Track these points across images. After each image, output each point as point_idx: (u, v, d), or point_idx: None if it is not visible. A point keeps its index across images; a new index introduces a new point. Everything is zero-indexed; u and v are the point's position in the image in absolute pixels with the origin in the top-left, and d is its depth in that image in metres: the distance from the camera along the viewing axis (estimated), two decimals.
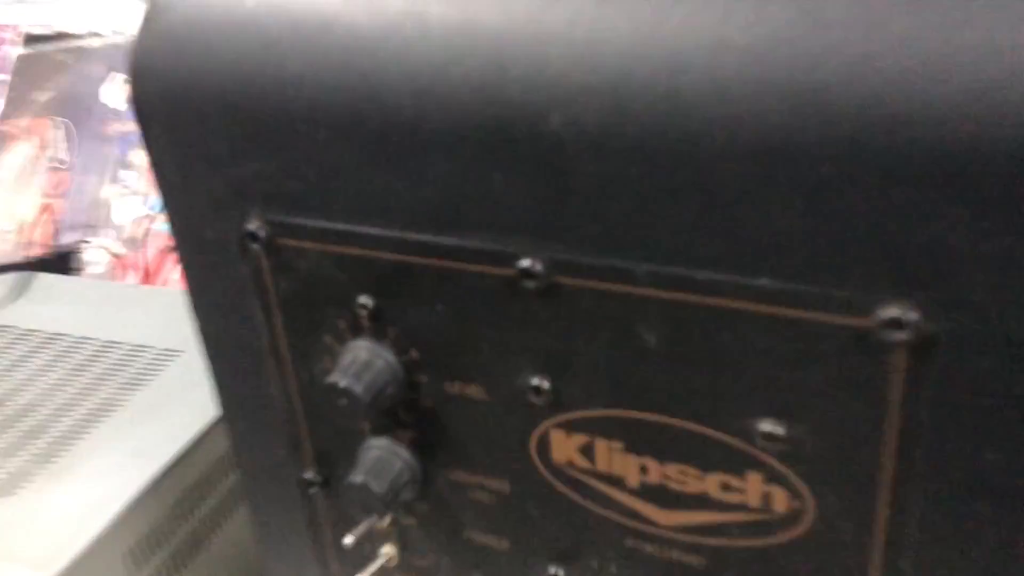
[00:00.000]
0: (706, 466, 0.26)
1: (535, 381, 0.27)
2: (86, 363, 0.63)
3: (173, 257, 0.86)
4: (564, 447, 0.28)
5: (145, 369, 0.62)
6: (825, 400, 0.23)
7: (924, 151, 0.19)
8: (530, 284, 0.25)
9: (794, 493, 0.25)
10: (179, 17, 0.27)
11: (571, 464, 0.28)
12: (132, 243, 1.00)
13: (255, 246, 0.29)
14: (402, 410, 0.30)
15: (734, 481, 0.26)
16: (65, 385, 0.59)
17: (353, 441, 0.31)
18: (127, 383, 0.60)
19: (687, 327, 0.24)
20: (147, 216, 1.00)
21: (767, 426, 0.24)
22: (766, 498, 0.26)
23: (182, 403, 0.57)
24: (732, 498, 0.26)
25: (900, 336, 0.21)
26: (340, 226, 0.27)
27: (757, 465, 0.25)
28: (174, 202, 0.29)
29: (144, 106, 0.28)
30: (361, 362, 0.28)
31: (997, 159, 0.19)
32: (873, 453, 0.23)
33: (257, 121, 0.27)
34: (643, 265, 0.24)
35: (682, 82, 0.21)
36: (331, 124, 0.26)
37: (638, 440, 0.26)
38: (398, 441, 0.30)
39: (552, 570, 0.30)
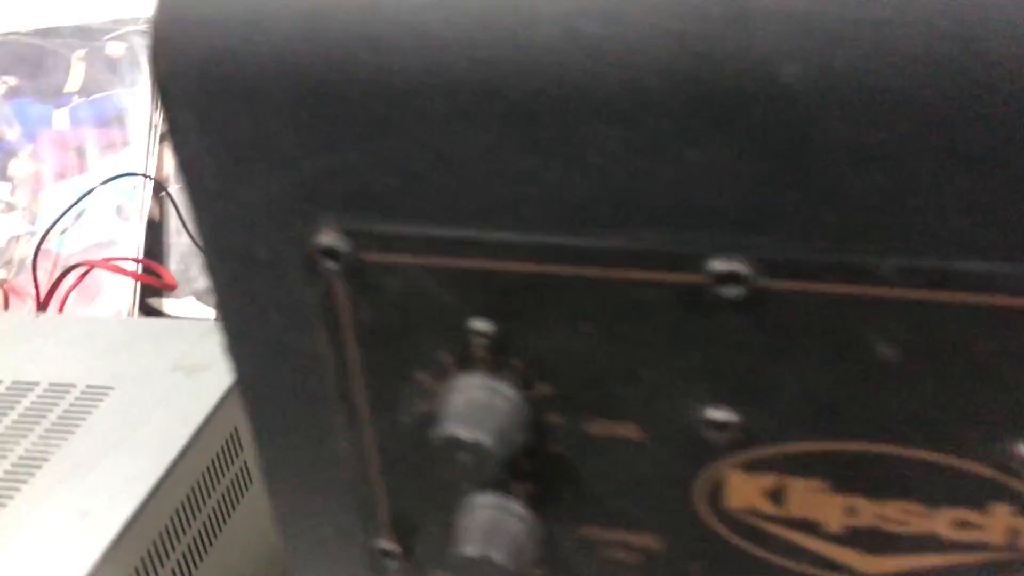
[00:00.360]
0: (937, 500, 0.21)
1: (714, 414, 0.21)
2: None
3: (71, 280, 0.76)
4: (744, 491, 0.22)
5: (71, 412, 0.53)
6: None
7: None
8: (730, 292, 0.20)
9: None
10: None
11: (751, 511, 0.23)
12: (14, 266, 0.89)
13: (331, 264, 0.22)
14: (523, 458, 0.24)
15: (973, 516, 0.21)
16: None
17: (447, 501, 0.25)
18: (53, 429, 0.51)
19: (938, 333, 0.19)
20: (29, 234, 0.88)
21: None
22: (1013, 534, 0.21)
23: (125, 450, 0.49)
24: (967, 536, 0.21)
25: None
26: (453, 232, 0.21)
27: (1006, 495, 0.21)
28: (210, 212, 0.22)
29: (172, 86, 0.21)
30: (479, 404, 0.22)
31: None
32: None
33: (341, 98, 0.20)
34: (890, 259, 0.18)
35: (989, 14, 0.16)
36: (453, 96, 0.19)
37: (850, 476, 0.21)
38: (511, 495, 0.24)
39: None
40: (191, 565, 0.50)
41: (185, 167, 0.22)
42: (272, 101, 0.20)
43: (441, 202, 0.21)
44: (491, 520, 0.24)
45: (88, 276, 0.75)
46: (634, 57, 0.18)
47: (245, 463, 0.55)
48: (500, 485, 0.24)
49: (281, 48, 0.20)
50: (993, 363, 0.19)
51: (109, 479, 0.46)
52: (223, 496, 0.53)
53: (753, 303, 0.20)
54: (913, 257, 0.18)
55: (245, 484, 0.56)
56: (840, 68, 0.17)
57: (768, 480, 0.22)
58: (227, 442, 0.53)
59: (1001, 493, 0.21)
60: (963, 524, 0.21)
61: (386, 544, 0.26)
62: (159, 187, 0.83)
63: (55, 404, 0.52)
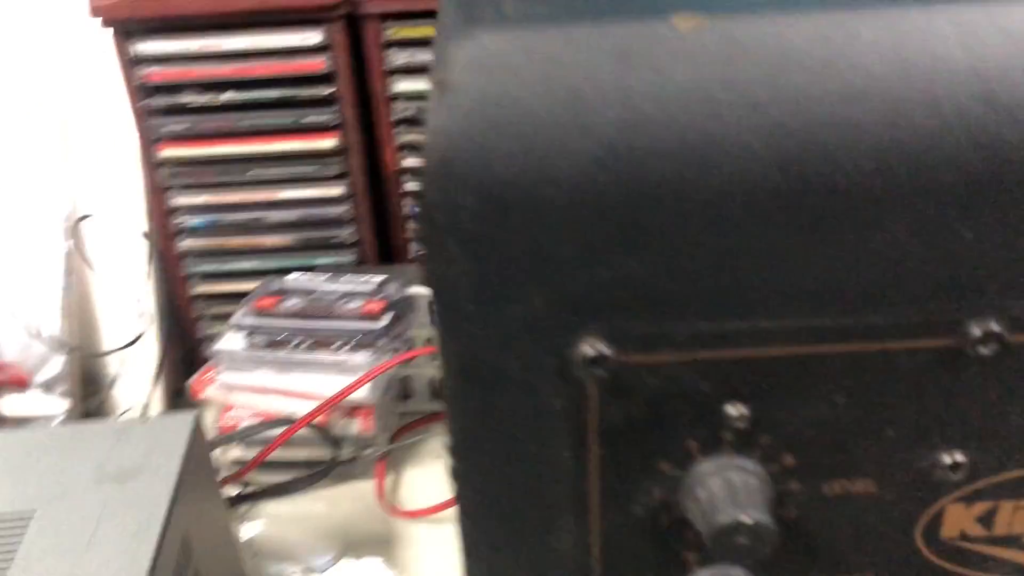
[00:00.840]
0: None
1: (948, 457, 0.24)
2: None
3: None
4: (960, 519, 0.25)
5: None
6: None
7: None
8: (986, 350, 0.22)
9: None
10: (494, 94, 0.19)
11: (962, 536, 0.25)
12: None
13: (594, 371, 0.22)
14: None
15: None
16: None
17: None
18: None
19: None
20: None
21: None
22: None
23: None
24: None
25: None
26: (718, 325, 0.22)
27: None
28: (463, 335, 0.21)
29: (444, 217, 0.20)
30: (740, 486, 0.23)
31: None
32: None
33: (636, 212, 0.20)
34: None
35: None
36: (752, 201, 0.20)
37: None
38: (741, 567, 0.25)
39: None
40: None
41: (442, 293, 0.21)
42: (555, 221, 0.20)
43: (712, 299, 0.21)
44: None
45: None
46: (923, 154, 0.20)
47: (196, 572, 0.52)
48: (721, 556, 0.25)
49: (575, 172, 0.20)
50: None
51: None
52: None
53: (1002, 357, 0.22)
54: None
55: None
56: None
57: (982, 507, 0.25)
58: (180, 549, 0.49)
59: None
60: None
61: None
62: None
63: None
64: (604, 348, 0.22)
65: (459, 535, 0.24)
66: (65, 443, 0.56)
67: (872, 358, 0.22)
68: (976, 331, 0.22)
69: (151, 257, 0.80)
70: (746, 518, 0.22)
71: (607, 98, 0.19)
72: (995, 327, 0.22)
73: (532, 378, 0.22)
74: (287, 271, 0.81)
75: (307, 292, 0.75)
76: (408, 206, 0.81)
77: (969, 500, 0.24)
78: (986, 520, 0.25)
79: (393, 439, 0.80)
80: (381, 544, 0.70)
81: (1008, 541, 0.25)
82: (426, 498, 0.74)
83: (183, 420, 0.57)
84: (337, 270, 0.80)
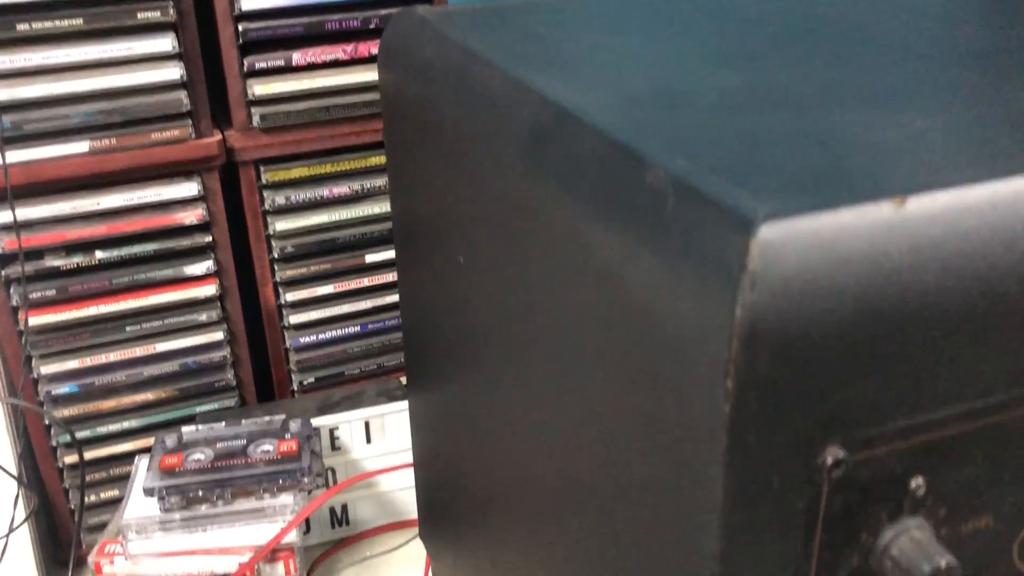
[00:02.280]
0: None
1: None
2: None
3: None
4: None
5: None
6: None
7: None
8: None
9: None
10: (797, 278, 0.26)
11: None
12: None
13: (835, 473, 0.28)
14: None
15: None
16: None
17: None
18: None
19: None
20: None
21: None
22: None
23: None
24: None
25: None
26: (912, 420, 0.29)
27: None
28: (742, 467, 0.27)
29: (750, 370, 0.26)
30: (929, 537, 0.30)
31: None
32: None
33: (870, 344, 0.27)
34: None
35: None
36: (942, 322, 0.28)
37: None
38: None
39: None
40: None
41: (734, 435, 0.26)
42: (829, 366, 0.26)
43: (910, 399, 0.28)
44: None
45: None
46: None
47: None
48: None
49: (850, 329, 0.26)
50: None
51: None
52: None
53: None
54: None
55: None
56: None
57: None
58: None
59: None
60: None
61: None
62: None
63: None
64: (842, 454, 0.28)
65: None
66: None
67: (1002, 426, 0.30)
68: None
69: (17, 439, 0.75)
70: (945, 563, 0.29)
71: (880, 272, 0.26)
72: None
73: (786, 488, 0.28)
74: (166, 425, 0.79)
75: (209, 442, 0.74)
76: (291, 340, 0.83)
77: None
78: None
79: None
80: None
81: None
82: None
83: None
84: (230, 416, 0.79)
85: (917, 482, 0.30)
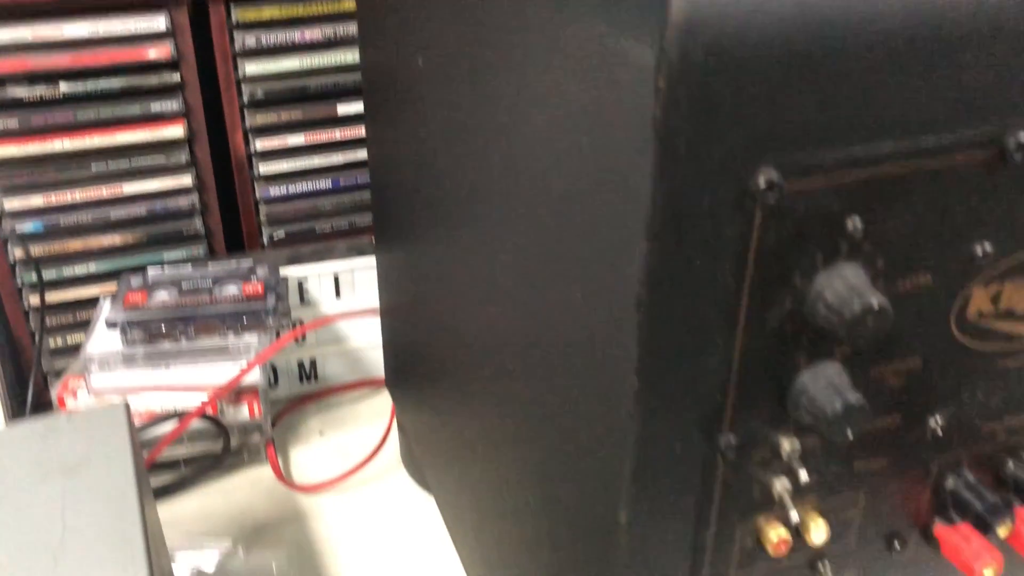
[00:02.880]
0: None
1: (981, 248, 0.32)
2: None
3: None
4: (979, 301, 0.33)
5: None
6: None
7: None
8: (1018, 157, 0.30)
9: None
10: None
11: (979, 314, 0.34)
12: None
13: (767, 197, 0.28)
14: None
15: None
16: None
17: (782, 382, 0.32)
18: None
19: None
20: None
21: None
22: None
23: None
24: None
25: None
26: (851, 151, 0.28)
27: None
28: (672, 174, 0.26)
29: (675, 77, 0.25)
30: (857, 279, 0.30)
31: None
32: None
33: (808, 57, 0.26)
34: None
35: None
36: (886, 44, 0.27)
37: None
38: (831, 359, 0.32)
39: (931, 422, 0.35)
40: None
41: (665, 139, 0.26)
42: (762, 72, 0.26)
43: (850, 128, 0.28)
44: (833, 380, 0.32)
45: None
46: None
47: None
48: (823, 353, 0.32)
49: (782, 33, 0.25)
50: None
51: None
52: None
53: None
54: None
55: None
56: None
57: (994, 288, 0.33)
58: (154, 542, 0.49)
59: None
60: None
61: (725, 437, 0.32)
62: None
63: None
64: (776, 177, 0.27)
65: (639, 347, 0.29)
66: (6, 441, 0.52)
67: (946, 171, 0.30)
68: (1017, 140, 0.30)
69: None
70: (876, 302, 0.29)
71: None
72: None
73: (716, 209, 0.27)
74: (134, 271, 0.79)
75: (174, 282, 0.74)
76: (261, 190, 0.82)
77: (987, 283, 0.33)
78: (996, 299, 0.33)
79: (273, 425, 0.80)
80: (287, 523, 0.71)
81: (1007, 315, 0.34)
82: (317, 473, 0.75)
83: (114, 412, 0.56)
84: (194, 262, 0.79)
85: (854, 222, 0.29)
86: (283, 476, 0.74)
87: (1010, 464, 0.38)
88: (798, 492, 0.35)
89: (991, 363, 0.35)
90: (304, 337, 0.82)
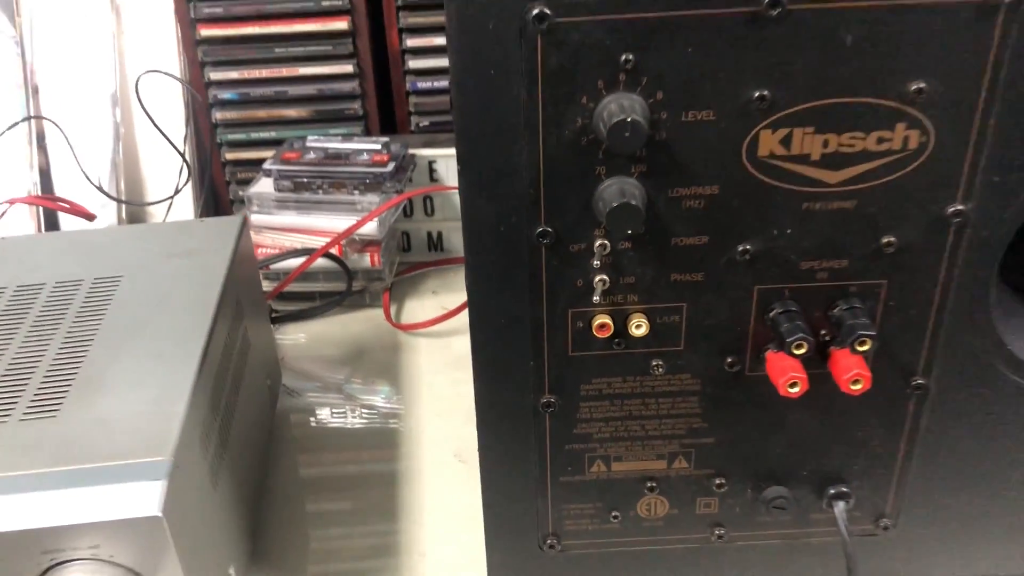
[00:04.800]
0: (869, 128, 0.40)
1: (758, 93, 0.39)
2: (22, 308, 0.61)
3: None
4: (768, 142, 0.40)
5: (92, 297, 0.61)
6: (954, 58, 0.38)
7: None
8: (773, 11, 0.37)
9: (923, 131, 0.40)
10: None
11: (771, 154, 0.40)
12: None
13: (540, 27, 0.37)
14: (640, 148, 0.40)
15: (887, 134, 0.40)
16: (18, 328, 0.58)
17: (587, 188, 0.41)
18: (85, 310, 0.59)
19: (873, 25, 0.38)
20: None
21: (916, 84, 0.39)
22: (905, 140, 0.40)
23: (167, 313, 0.59)
24: (883, 147, 0.40)
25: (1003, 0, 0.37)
26: None
27: (903, 117, 0.40)
28: (459, 4, 0.37)
29: None
30: (630, 103, 0.38)
31: None
32: (976, 87, 0.39)
33: None
34: None
35: None
36: None
37: (825, 120, 0.40)
38: (630, 175, 0.41)
39: (741, 247, 0.43)
40: (233, 401, 0.61)
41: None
42: None
43: None
44: (621, 188, 0.40)
45: None
46: None
47: (246, 328, 0.66)
48: (621, 169, 0.40)
49: None
50: (899, 37, 0.38)
51: (164, 334, 0.55)
52: (239, 354, 0.63)
53: (783, 19, 0.37)
54: None
55: (247, 347, 0.67)
56: None
57: (782, 132, 0.40)
58: (236, 307, 0.64)
59: (901, 116, 0.40)
60: (882, 140, 0.40)
61: (541, 229, 0.41)
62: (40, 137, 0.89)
63: (72, 296, 0.61)
64: (546, 9, 0.37)
65: (461, 155, 0.39)
66: (140, 234, 0.71)
67: (706, 21, 0.37)
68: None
69: (189, 123, 0.94)
70: (624, 115, 0.37)
71: None
72: None
73: (502, 33, 0.37)
74: (298, 138, 0.96)
75: (323, 148, 0.90)
76: (410, 83, 0.96)
77: (774, 127, 0.40)
78: (786, 142, 0.40)
79: (396, 279, 0.95)
80: (388, 351, 0.86)
81: (800, 159, 0.40)
82: (422, 318, 0.90)
83: (233, 219, 0.72)
84: (344, 136, 0.95)
85: (626, 56, 0.38)
86: (390, 317, 0.89)
87: (840, 305, 0.44)
88: (619, 289, 0.44)
89: (794, 203, 0.42)
90: (433, 211, 0.97)
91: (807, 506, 0.51)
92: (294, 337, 0.88)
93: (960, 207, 0.42)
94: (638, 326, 0.44)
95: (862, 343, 0.43)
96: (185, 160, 0.94)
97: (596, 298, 0.43)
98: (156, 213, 0.98)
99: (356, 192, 0.87)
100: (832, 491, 0.50)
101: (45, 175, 0.95)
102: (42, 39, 0.95)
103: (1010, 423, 0.48)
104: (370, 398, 0.79)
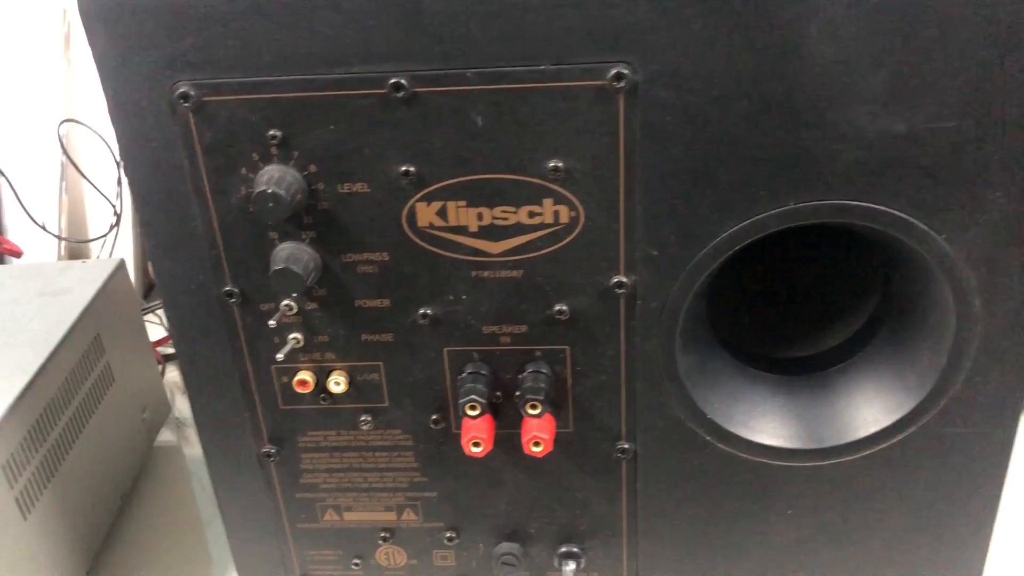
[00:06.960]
0: (518, 202, 0.42)
1: (404, 168, 0.41)
2: None
3: None
4: (425, 214, 0.42)
5: None
6: (585, 138, 0.40)
7: None
8: (397, 95, 0.39)
9: (571, 207, 0.41)
10: None
11: (431, 225, 0.42)
12: None
13: (185, 105, 0.40)
14: (304, 215, 0.42)
15: (536, 208, 0.42)
16: None
17: (263, 251, 0.43)
18: None
19: (500, 107, 0.39)
20: None
21: (553, 163, 0.40)
22: (556, 214, 0.42)
23: (6, 348, 0.62)
24: (536, 221, 0.42)
25: (621, 85, 0.38)
26: (253, 78, 0.40)
27: (549, 193, 0.41)
28: (114, 82, 0.40)
29: (89, 13, 0.38)
30: (277, 177, 0.41)
31: None
32: (614, 165, 0.40)
33: (188, 7, 0.38)
34: (472, 69, 0.39)
35: None
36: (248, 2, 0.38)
37: (475, 195, 0.41)
38: (302, 240, 0.43)
39: (422, 311, 0.44)
40: (72, 435, 0.64)
41: (99, 59, 0.39)
42: (150, 14, 0.38)
43: (244, 61, 0.39)
44: (290, 253, 0.43)
45: None
46: None
47: (108, 364, 0.70)
48: (293, 235, 0.43)
49: None
50: (530, 119, 0.40)
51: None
52: (91, 388, 0.67)
53: (412, 102, 0.39)
54: (483, 67, 0.39)
55: (109, 381, 0.70)
56: None
57: (437, 205, 0.42)
58: (92, 342, 0.68)
59: (547, 192, 0.41)
60: (533, 214, 0.42)
61: (228, 287, 0.44)
62: None
63: None
64: (189, 90, 0.40)
65: (139, 217, 0.43)
66: (22, 273, 0.76)
67: (342, 101, 0.40)
68: (392, 81, 0.39)
69: (120, 164, 1.00)
70: (265, 187, 0.40)
71: None
72: (402, 80, 0.39)
73: (154, 109, 0.40)
74: None
75: None
76: None
77: (427, 200, 0.42)
78: (442, 214, 0.42)
79: None
80: None
81: (459, 230, 0.42)
82: None
83: (109, 262, 0.77)
84: None
85: (273, 132, 0.41)
86: None
87: (528, 368, 0.46)
88: (315, 347, 0.46)
89: (462, 271, 0.43)
90: None
91: (542, 564, 0.52)
92: None
93: (623, 279, 0.43)
94: (336, 383, 0.46)
95: (533, 406, 0.44)
96: (111, 203, 0.99)
97: (280, 356, 0.45)
98: (96, 249, 1.04)
99: None
100: (563, 550, 0.51)
101: None
102: None
103: (732, 486, 0.49)
104: None
